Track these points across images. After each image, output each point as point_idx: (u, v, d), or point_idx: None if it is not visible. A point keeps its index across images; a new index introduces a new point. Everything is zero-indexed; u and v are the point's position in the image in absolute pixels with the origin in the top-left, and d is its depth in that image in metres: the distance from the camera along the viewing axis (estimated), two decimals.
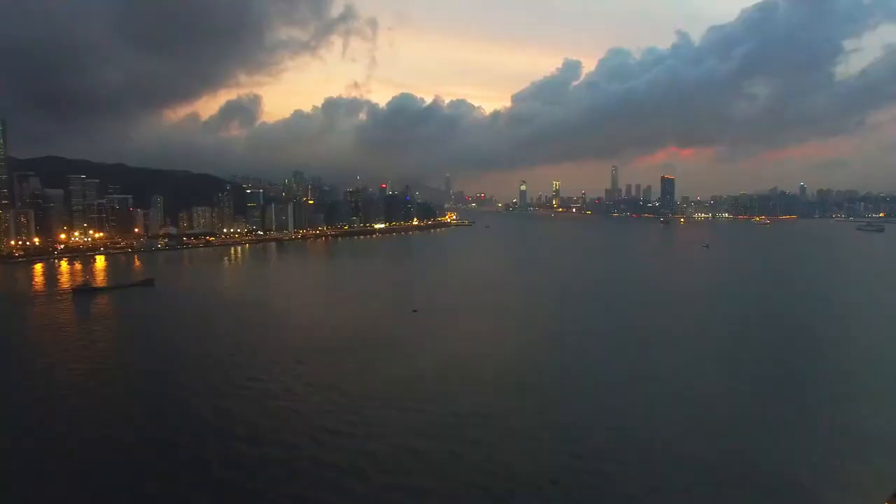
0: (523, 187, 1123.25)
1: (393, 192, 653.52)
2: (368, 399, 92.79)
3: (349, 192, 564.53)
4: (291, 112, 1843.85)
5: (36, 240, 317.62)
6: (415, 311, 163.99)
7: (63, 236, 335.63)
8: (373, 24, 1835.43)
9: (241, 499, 62.36)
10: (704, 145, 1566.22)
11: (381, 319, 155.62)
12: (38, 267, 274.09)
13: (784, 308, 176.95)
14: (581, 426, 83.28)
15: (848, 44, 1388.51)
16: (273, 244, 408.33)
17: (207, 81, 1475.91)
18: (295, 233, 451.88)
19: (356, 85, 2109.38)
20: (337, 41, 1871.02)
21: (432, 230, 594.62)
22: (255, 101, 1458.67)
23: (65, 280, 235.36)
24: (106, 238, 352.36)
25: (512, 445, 76.07)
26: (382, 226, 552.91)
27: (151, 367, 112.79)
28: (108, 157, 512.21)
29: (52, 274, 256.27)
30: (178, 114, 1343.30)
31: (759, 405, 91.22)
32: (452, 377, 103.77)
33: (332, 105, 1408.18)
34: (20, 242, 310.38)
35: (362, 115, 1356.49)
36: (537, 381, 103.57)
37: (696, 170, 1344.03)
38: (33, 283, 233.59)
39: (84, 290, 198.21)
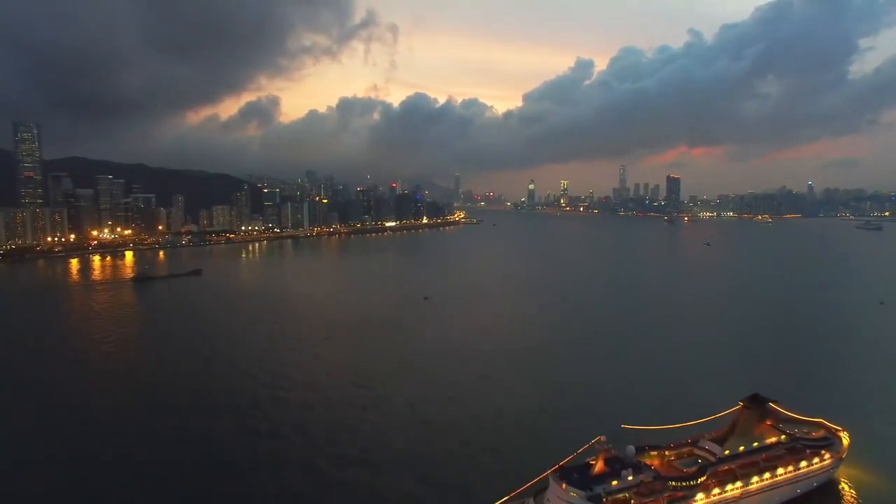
0: (531, 186, 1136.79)
1: (403, 190, 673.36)
2: (382, 364, 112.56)
3: (360, 190, 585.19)
4: (306, 112, 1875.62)
5: (72, 237, 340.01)
6: (426, 298, 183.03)
7: (95, 233, 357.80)
8: (393, 29, 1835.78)
9: (266, 438, 79.46)
10: (715, 144, 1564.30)
11: (395, 305, 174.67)
12: (75, 261, 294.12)
13: (755, 293, 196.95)
14: (558, 384, 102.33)
15: (863, 42, 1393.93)
16: (289, 241, 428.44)
17: (231, 85, 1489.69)
18: (310, 230, 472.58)
19: (376, 87, 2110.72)
20: (358, 46, 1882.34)
21: (441, 228, 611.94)
22: (274, 102, 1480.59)
23: (110, 272, 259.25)
24: (133, 235, 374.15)
25: (498, 398, 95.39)
26: (393, 224, 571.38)
27: (205, 339, 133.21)
28: (127, 157, 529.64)
29: (97, 267, 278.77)
30: (199, 116, 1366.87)
31: (692, 364, 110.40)
32: (455, 350, 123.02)
33: (346, 105, 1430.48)
34: (56, 239, 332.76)
35: (376, 115, 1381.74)
36: (529, 353, 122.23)
37: (706, 169, 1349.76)
38: (87, 274, 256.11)
39: (143, 279, 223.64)
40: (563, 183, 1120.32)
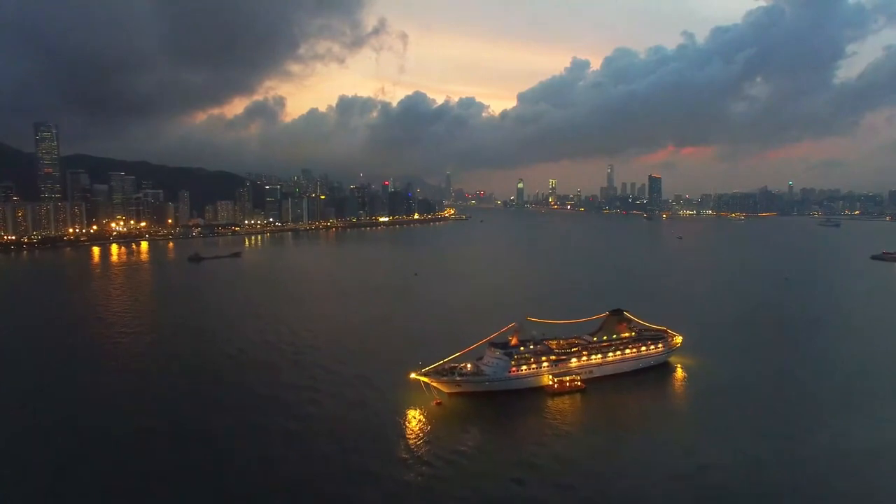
0: (520, 185, 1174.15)
1: (395, 188, 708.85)
2: (377, 314, 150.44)
3: (354, 188, 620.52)
4: (307, 110, 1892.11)
5: (94, 228, 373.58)
6: (416, 274, 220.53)
7: (113, 225, 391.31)
8: (403, 37, 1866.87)
9: (286, 360, 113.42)
10: (704, 144, 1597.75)
11: (388, 279, 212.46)
12: (97, 249, 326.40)
13: (694, 268, 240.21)
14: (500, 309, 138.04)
15: (850, 47, 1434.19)
16: (290, 234, 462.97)
17: (241, 89, 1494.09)
18: (309, 224, 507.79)
19: (383, 91, 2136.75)
20: (369, 54, 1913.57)
21: (432, 223, 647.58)
22: (280, 102, 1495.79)
23: (159, 255, 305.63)
24: (147, 227, 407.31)
25: (464, 321, 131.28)
26: (386, 219, 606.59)
27: (248, 299, 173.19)
28: (131, 154, 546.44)
29: (128, 252, 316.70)
30: (207, 115, 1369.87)
31: None
32: (436, 302, 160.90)
33: (345, 104, 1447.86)
34: (79, 230, 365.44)
35: (374, 114, 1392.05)
36: (498, 309, 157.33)
37: (694, 169, 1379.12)
38: (134, 258, 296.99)
39: (196, 259, 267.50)
40: (552, 182, 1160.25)
